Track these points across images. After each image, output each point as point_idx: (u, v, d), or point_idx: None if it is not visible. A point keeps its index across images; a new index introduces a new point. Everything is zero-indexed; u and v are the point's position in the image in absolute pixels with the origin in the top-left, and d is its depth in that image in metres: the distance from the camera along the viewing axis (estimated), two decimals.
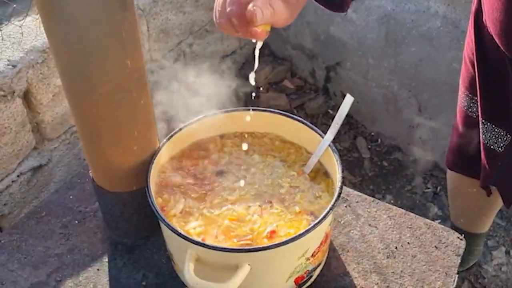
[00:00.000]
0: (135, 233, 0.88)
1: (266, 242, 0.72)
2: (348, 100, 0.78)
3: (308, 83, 2.11)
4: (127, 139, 0.76)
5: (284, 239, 0.69)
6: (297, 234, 0.68)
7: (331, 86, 2.06)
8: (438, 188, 1.74)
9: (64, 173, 1.31)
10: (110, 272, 0.85)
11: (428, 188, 1.75)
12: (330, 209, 0.71)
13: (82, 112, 0.74)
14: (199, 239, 0.71)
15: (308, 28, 1.98)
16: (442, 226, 0.92)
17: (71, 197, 0.98)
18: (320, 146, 0.81)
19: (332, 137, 0.80)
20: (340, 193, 0.73)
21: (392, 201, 1.72)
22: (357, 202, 0.96)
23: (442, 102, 1.70)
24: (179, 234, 0.68)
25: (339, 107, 0.79)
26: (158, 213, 0.71)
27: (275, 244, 0.67)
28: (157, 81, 1.49)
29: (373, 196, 0.97)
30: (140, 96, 0.74)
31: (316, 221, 0.70)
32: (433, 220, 0.94)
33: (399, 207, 0.95)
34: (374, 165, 1.86)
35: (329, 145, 0.80)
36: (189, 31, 1.71)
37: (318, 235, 0.73)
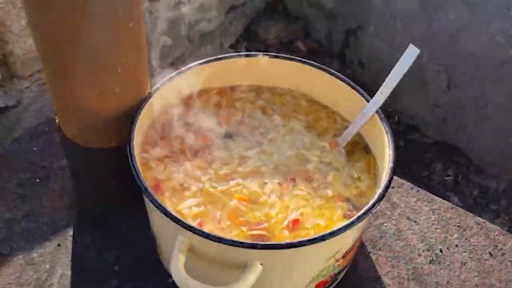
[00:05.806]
0: (111, 202, 0.69)
1: (286, 235, 0.53)
2: (412, 52, 0.59)
3: (322, 46, 1.91)
4: (106, 76, 0.55)
5: (311, 232, 0.51)
6: (331, 230, 0.49)
7: (348, 52, 1.85)
8: (460, 176, 1.56)
9: (35, 119, 1.11)
10: (74, 249, 0.66)
11: (449, 175, 1.56)
12: (379, 199, 0.52)
13: (45, 33, 0.53)
14: (194, 224, 0.52)
15: None
16: (498, 228, 0.73)
17: (34, 148, 0.78)
18: (364, 111, 0.61)
19: (382, 101, 0.60)
20: (391, 177, 0.54)
21: None
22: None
23: (477, 80, 1.50)
24: (168, 214, 0.49)
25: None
26: (140, 180, 0.52)
27: (301, 242, 0.48)
28: (155, 24, 1.28)
29: None
30: (128, 16, 0.53)
31: (359, 214, 0.50)
32: None
33: None
34: None
35: (377, 112, 0.61)
36: None
37: (356, 232, 0.54)
